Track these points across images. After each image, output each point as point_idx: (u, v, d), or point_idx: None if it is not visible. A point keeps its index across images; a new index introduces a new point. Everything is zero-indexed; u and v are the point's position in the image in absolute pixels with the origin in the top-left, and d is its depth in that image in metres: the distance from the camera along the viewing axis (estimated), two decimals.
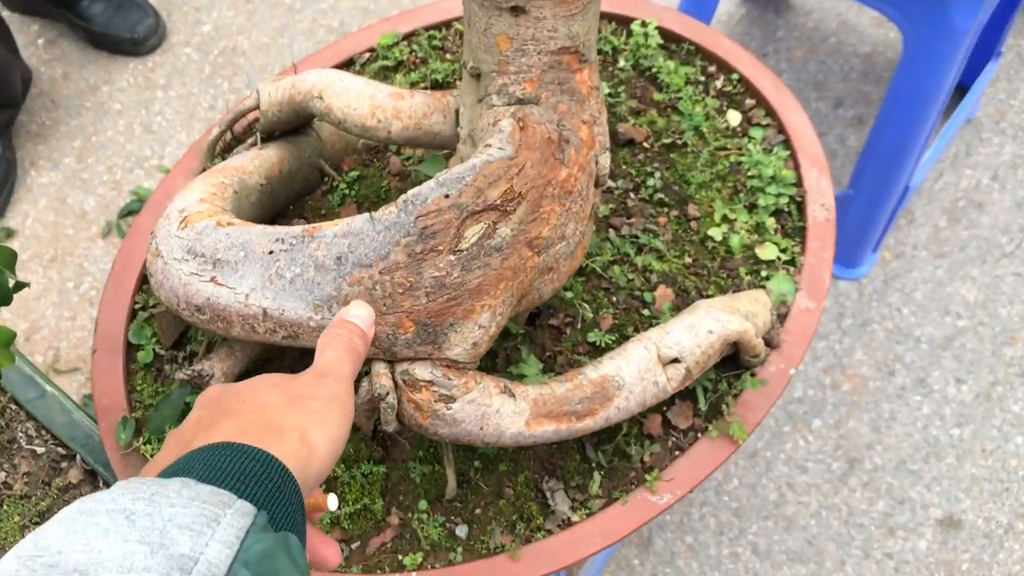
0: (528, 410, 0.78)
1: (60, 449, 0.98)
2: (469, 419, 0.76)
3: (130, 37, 1.97)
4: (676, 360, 0.84)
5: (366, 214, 0.75)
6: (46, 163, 1.90)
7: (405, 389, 0.75)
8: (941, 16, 1.27)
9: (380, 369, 0.75)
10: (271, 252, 0.75)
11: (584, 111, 0.80)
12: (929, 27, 1.29)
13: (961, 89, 1.79)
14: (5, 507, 0.94)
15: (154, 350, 0.96)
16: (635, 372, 0.83)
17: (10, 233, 1.81)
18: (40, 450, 0.98)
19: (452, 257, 0.73)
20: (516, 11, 0.76)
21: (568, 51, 0.78)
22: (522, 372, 0.89)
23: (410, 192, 0.75)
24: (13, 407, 1.00)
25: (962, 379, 1.64)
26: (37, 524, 0.94)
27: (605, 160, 0.83)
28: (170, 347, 0.96)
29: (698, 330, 0.85)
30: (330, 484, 0.88)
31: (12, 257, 0.66)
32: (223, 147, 1.03)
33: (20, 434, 0.99)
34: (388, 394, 0.74)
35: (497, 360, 0.92)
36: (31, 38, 2.04)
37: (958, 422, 1.61)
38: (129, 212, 1.83)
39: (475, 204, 0.74)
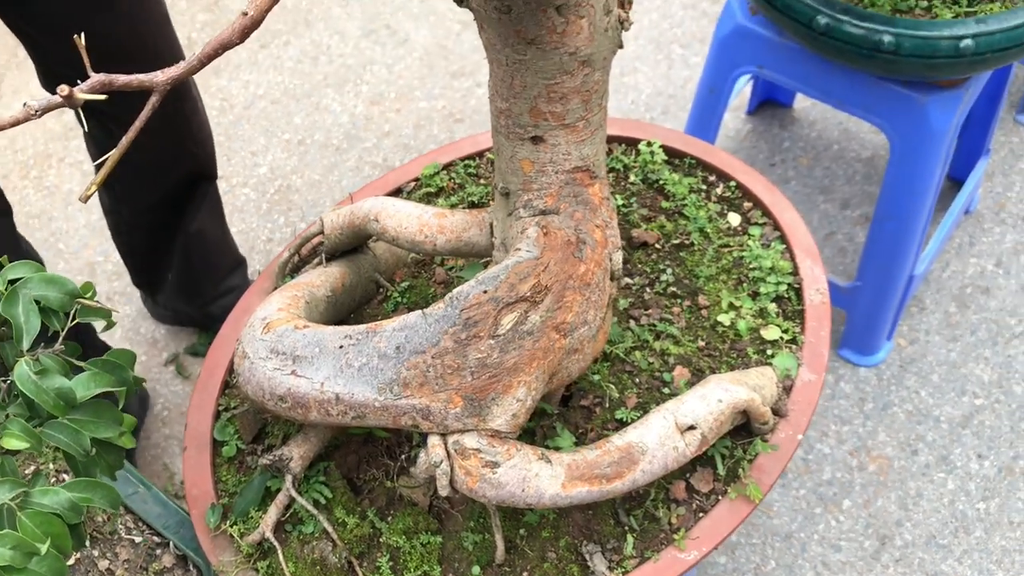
0: (563, 473, 0.91)
1: (155, 537, 1.12)
2: (512, 482, 0.88)
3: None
4: (692, 427, 0.96)
5: (419, 311, 0.90)
6: (120, 298, 2.09)
7: (456, 457, 0.88)
8: (920, 119, 1.42)
9: (435, 441, 0.88)
10: (341, 347, 0.90)
11: (597, 217, 0.95)
12: (910, 130, 1.44)
13: (959, 183, 1.93)
14: None
15: (237, 445, 1.10)
16: (656, 439, 0.95)
17: None
18: (138, 539, 1.11)
19: (492, 341, 0.87)
20: (536, 140, 0.92)
21: (580, 170, 0.94)
22: (558, 445, 1.01)
23: (455, 290, 0.90)
24: None
25: (984, 455, 1.72)
26: None
27: (618, 257, 0.98)
28: (250, 441, 1.10)
29: (709, 399, 0.97)
30: (393, 554, 1.00)
31: (132, 358, 0.81)
32: (291, 268, 1.19)
33: (120, 526, 1.13)
34: (442, 462, 0.87)
35: (535, 437, 1.05)
36: None
37: (983, 496, 1.68)
38: (194, 353, 1.99)
39: (509, 297, 0.88)
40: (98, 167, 0.68)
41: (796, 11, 1.32)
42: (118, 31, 1.29)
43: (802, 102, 2.19)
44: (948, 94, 1.39)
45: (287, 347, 0.92)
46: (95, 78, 0.60)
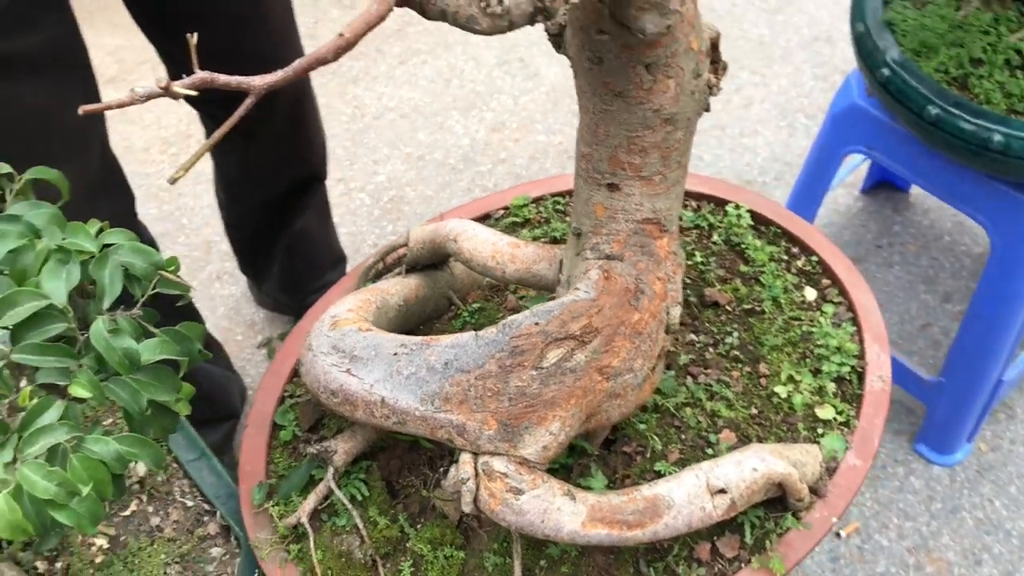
0: (585, 512, 0.93)
1: (205, 505, 1.18)
2: (533, 511, 0.91)
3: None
4: (723, 491, 0.97)
5: (472, 332, 0.94)
6: (229, 278, 2.20)
7: (483, 477, 0.91)
8: (1022, 222, 1.38)
9: (466, 458, 0.92)
10: (395, 354, 0.95)
11: (660, 270, 0.97)
12: (1014, 232, 1.40)
13: None
14: (155, 545, 1.14)
15: (294, 431, 1.16)
16: (685, 496, 0.96)
17: None
18: (189, 503, 1.19)
19: (534, 372, 0.90)
20: (612, 187, 0.95)
21: (651, 222, 0.96)
22: (589, 485, 1.03)
23: (509, 318, 0.93)
24: (174, 465, 1.21)
25: None
26: (177, 564, 1.13)
27: (676, 312, 0.99)
28: (307, 430, 1.16)
29: (744, 466, 0.98)
30: (416, 561, 1.04)
31: (201, 332, 0.88)
32: (375, 274, 1.25)
33: (176, 488, 1.20)
34: (469, 479, 0.91)
35: (571, 474, 1.07)
36: None
37: None
38: (282, 336, 2.08)
39: (559, 332, 0.91)
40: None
41: (909, 98, 1.31)
42: (237, 41, 1.39)
43: (918, 188, 2.15)
44: None
45: (347, 346, 0.97)
46: (197, 75, 0.67)
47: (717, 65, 0.94)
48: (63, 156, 1.25)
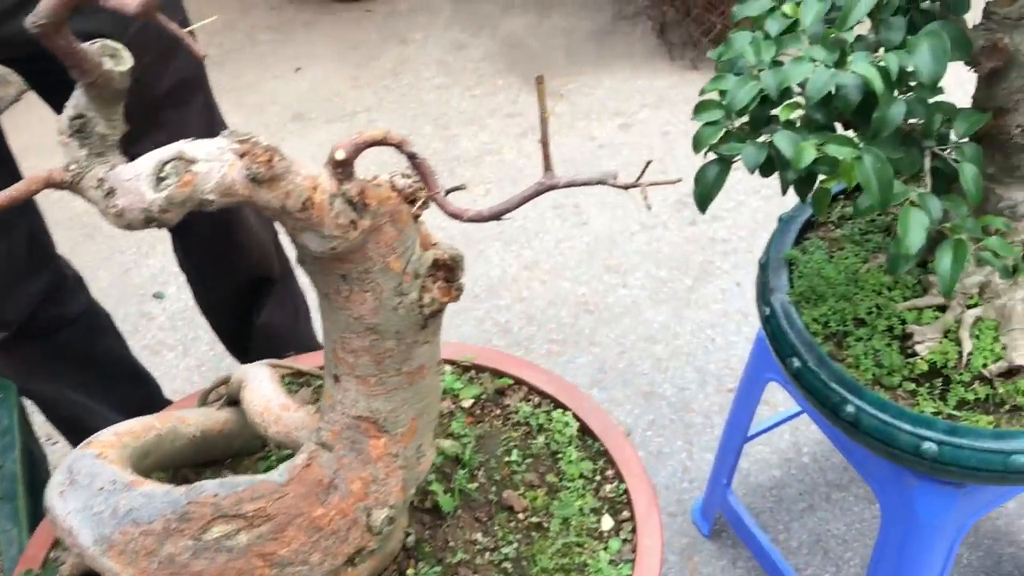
0: None
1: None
2: None
3: None
4: None
5: (171, 486, 0.97)
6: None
7: None
8: (906, 502, 1.26)
9: None
10: (102, 488, 0.99)
11: (365, 470, 0.97)
12: (897, 508, 1.28)
13: None
14: None
15: None
16: None
17: None
18: None
19: (190, 542, 0.92)
20: (336, 378, 0.97)
21: (367, 420, 0.97)
22: None
23: (202, 482, 0.96)
24: None
25: None
26: None
27: (379, 514, 0.99)
28: None
29: None
30: None
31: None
32: (214, 399, 1.31)
33: None
34: None
35: None
36: None
37: None
38: None
39: (231, 509, 0.93)
40: None
41: (778, 343, 1.24)
42: None
43: None
44: (941, 488, 1.23)
45: (76, 468, 1.03)
46: None
47: (451, 285, 0.95)
48: None
